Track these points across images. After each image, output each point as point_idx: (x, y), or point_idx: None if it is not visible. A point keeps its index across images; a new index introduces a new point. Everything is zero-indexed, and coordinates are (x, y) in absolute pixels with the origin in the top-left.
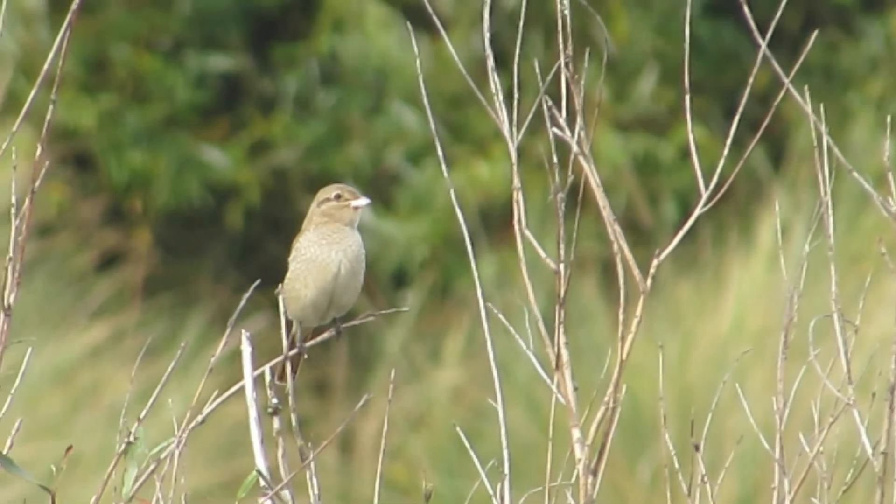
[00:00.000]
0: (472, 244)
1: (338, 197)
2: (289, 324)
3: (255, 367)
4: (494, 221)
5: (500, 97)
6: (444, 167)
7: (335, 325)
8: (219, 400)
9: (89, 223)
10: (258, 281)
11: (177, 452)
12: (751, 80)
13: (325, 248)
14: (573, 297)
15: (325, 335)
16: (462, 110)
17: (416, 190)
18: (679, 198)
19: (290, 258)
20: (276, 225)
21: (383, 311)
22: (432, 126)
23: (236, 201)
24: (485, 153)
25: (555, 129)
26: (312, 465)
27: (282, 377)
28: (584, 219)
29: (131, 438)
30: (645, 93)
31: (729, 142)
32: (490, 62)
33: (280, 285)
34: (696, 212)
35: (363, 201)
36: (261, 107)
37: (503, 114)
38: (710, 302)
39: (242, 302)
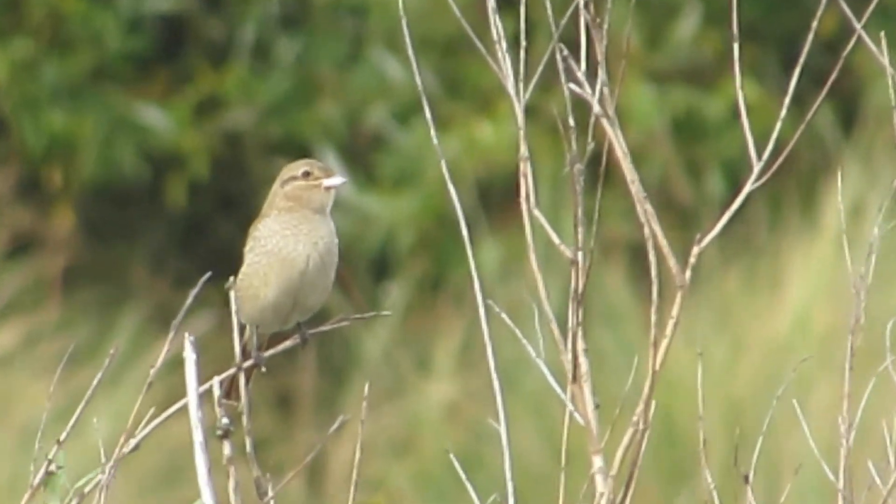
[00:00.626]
0: (470, 226)
1: (306, 175)
2: (242, 327)
3: (200, 379)
4: (498, 195)
5: (504, 45)
6: (432, 131)
7: (300, 330)
8: (156, 421)
9: None
10: (208, 274)
11: (103, 483)
12: (814, 25)
13: (290, 240)
14: (595, 292)
15: (288, 343)
16: (460, 58)
17: (404, 156)
18: (727, 168)
19: (247, 248)
20: (228, 202)
21: (360, 316)
22: (418, 80)
23: (179, 173)
24: (488, 110)
25: (571, 85)
26: (272, 501)
27: (230, 394)
28: (611, 194)
29: (52, 467)
30: (685, 36)
31: (787, 100)
32: (491, 1)
33: (232, 278)
34: (748, 187)
35: (337, 180)
36: (209, 56)
37: (507, 66)
38: (765, 298)
39: (189, 299)
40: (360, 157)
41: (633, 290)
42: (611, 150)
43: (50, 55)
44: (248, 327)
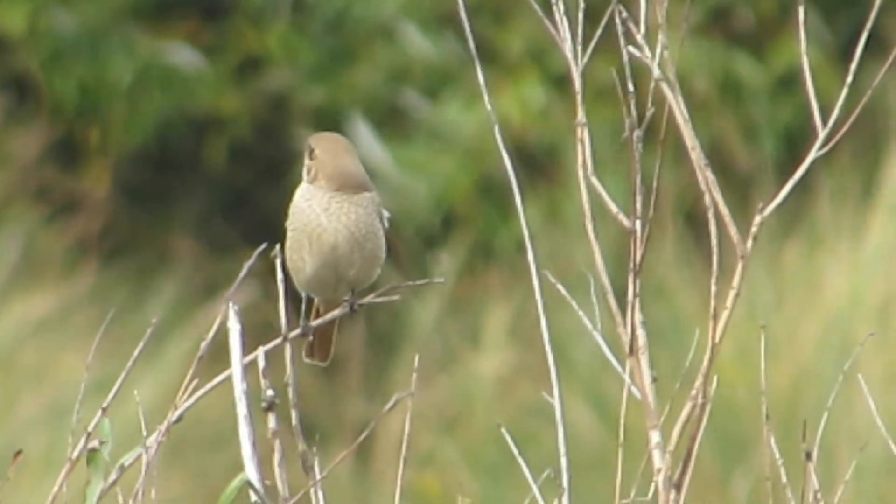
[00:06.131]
0: (511, 193)
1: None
2: (289, 293)
3: (244, 348)
4: (532, 162)
5: (563, 7)
6: (486, 97)
7: (350, 298)
8: (199, 392)
9: (28, 161)
10: (263, 245)
11: (144, 458)
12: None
13: (312, 215)
14: (648, 262)
15: (336, 312)
16: (483, 25)
17: (436, 128)
18: (777, 130)
19: (287, 222)
20: (271, 167)
21: (410, 284)
22: (472, 45)
23: (218, 135)
24: (514, 77)
25: (631, 48)
26: (319, 476)
27: (311, 354)
28: (655, 157)
29: (95, 442)
30: None
31: (854, 65)
32: None
33: (278, 247)
34: (812, 154)
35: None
36: (249, 15)
37: (564, 28)
38: (825, 268)
39: (244, 271)
40: (397, 126)
41: (687, 259)
42: (661, 115)
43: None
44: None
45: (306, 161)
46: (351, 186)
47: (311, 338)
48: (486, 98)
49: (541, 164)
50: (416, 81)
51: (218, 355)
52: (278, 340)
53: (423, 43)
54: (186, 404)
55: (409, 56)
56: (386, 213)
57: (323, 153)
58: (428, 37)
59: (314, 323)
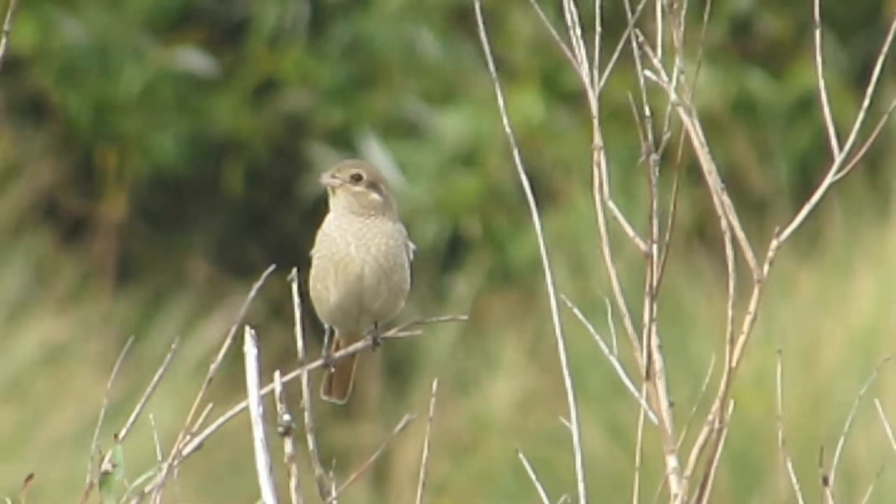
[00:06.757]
0: (522, 212)
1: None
2: (306, 317)
3: (261, 373)
4: (539, 179)
5: (578, 30)
6: (504, 119)
7: (373, 331)
8: (218, 421)
9: (44, 184)
10: (272, 267)
11: (161, 483)
12: None
13: (342, 244)
14: (664, 286)
15: (359, 345)
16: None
17: (444, 141)
18: (792, 154)
19: (314, 250)
20: (288, 190)
21: (433, 320)
22: (488, 55)
23: (235, 158)
24: (517, 85)
25: (647, 72)
26: (336, 501)
27: (329, 391)
28: (671, 180)
29: (107, 465)
30: (742, 7)
31: (871, 89)
32: None
33: (295, 270)
34: (828, 179)
35: (325, 178)
36: (266, 37)
37: (581, 52)
38: (841, 292)
39: (252, 292)
40: (406, 144)
41: (701, 283)
42: (674, 138)
43: (80, 13)
44: (327, 328)
45: (372, 195)
46: (391, 219)
47: (331, 370)
48: (505, 121)
49: (549, 181)
50: (426, 95)
51: (236, 376)
52: (297, 371)
53: (432, 45)
54: (207, 432)
55: (420, 64)
56: (412, 247)
57: (387, 188)
58: (440, 44)
59: (336, 354)
